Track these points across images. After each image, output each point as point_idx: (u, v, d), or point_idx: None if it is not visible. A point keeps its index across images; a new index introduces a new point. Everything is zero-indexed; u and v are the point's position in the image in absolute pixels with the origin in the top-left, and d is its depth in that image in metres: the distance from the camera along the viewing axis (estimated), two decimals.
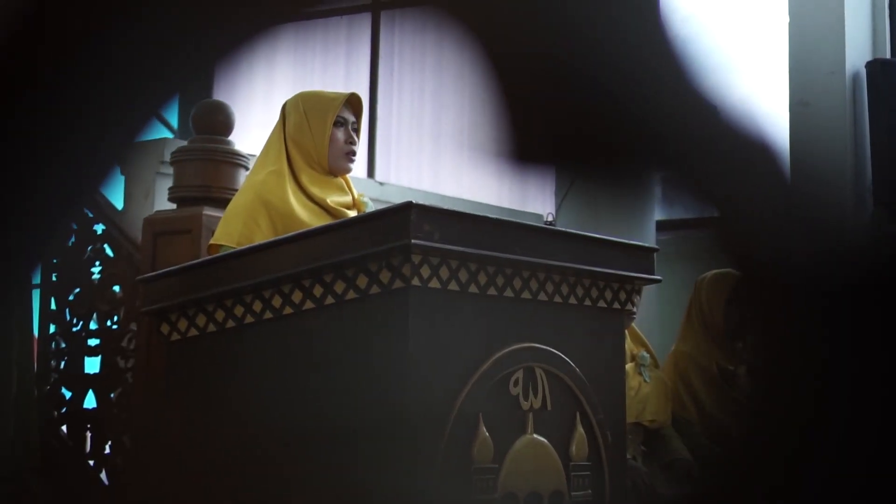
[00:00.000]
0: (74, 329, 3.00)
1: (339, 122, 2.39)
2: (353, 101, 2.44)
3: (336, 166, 2.39)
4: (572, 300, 2.00)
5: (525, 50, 0.66)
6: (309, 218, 2.28)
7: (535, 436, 1.90)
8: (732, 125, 0.68)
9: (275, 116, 2.48)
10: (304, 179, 2.34)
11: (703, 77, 0.68)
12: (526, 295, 1.91)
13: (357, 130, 2.43)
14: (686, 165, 0.69)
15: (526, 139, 0.66)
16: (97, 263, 2.99)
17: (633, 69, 0.66)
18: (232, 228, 2.25)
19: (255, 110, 6.82)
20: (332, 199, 2.36)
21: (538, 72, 0.66)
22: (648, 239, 5.54)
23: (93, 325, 2.97)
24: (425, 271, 1.74)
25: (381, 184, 5.29)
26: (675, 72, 0.67)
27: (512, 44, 0.67)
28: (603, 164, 0.69)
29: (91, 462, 2.92)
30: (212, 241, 2.33)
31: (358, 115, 2.45)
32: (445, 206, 1.80)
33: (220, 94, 7.12)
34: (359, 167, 5.99)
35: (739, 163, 0.69)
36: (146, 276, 2.22)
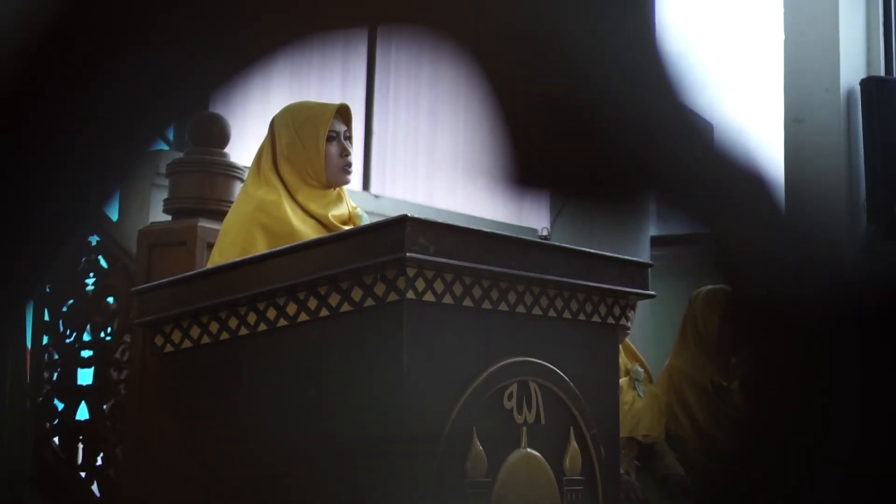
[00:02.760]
0: (68, 340, 2.99)
1: (332, 137, 2.37)
2: (342, 111, 2.42)
3: (334, 180, 2.38)
4: (567, 315, 2.00)
5: (518, 72, 0.67)
6: (309, 234, 2.26)
7: (528, 450, 1.90)
8: (725, 147, 0.69)
9: None
10: (302, 198, 2.33)
11: (696, 96, 0.68)
12: (521, 309, 1.91)
13: (349, 138, 2.42)
14: (679, 185, 0.69)
15: (519, 161, 0.67)
16: (91, 275, 2.99)
17: (627, 90, 0.66)
18: (229, 254, 2.20)
19: (251, 122, 6.82)
20: (329, 214, 2.36)
21: (531, 94, 0.67)
22: (643, 254, 5.54)
23: (86, 337, 2.96)
24: (420, 284, 1.74)
25: (376, 197, 5.29)
26: (669, 92, 0.67)
27: (505, 66, 0.67)
28: (595, 187, 0.69)
29: (83, 474, 2.91)
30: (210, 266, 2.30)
31: (348, 123, 2.42)
32: (440, 220, 1.80)
33: (215, 107, 7.13)
34: (354, 180, 5.99)
35: (732, 183, 0.69)
36: (140, 287, 2.22)
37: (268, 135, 2.40)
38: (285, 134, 2.36)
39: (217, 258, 2.25)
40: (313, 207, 2.33)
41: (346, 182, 2.41)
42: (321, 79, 7.06)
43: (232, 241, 2.24)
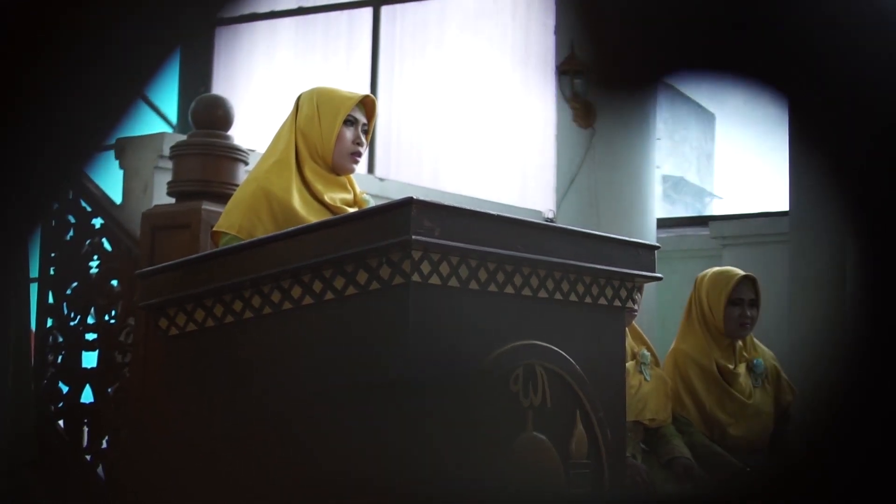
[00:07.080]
0: (72, 323, 2.99)
1: (350, 122, 2.37)
2: (367, 103, 2.42)
3: (339, 164, 2.37)
4: (573, 297, 1.99)
5: None
6: (308, 214, 2.27)
7: (534, 433, 1.89)
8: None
9: (275, 112, 2.46)
10: (308, 172, 2.33)
11: None
12: (526, 292, 1.90)
13: (367, 132, 2.42)
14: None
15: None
16: (95, 258, 2.98)
17: None
18: (234, 217, 2.26)
19: (254, 105, 6.80)
20: (332, 196, 2.35)
21: None
22: (649, 236, 5.53)
23: (90, 320, 2.96)
24: (425, 267, 1.73)
25: (381, 180, 5.27)
26: None
27: None
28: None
29: (88, 457, 2.91)
30: (214, 229, 2.33)
31: (370, 118, 2.43)
32: (446, 203, 1.79)
33: (219, 89, 7.11)
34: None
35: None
36: (144, 270, 2.21)
37: (292, 109, 2.41)
38: (307, 107, 2.38)
39: (224, 218, 2.29)
40: (316, 187, 2.32)
41: (351, 171, 2.41)
42: (325, 60, 7.03)
43: (239, 202, 2.29)
